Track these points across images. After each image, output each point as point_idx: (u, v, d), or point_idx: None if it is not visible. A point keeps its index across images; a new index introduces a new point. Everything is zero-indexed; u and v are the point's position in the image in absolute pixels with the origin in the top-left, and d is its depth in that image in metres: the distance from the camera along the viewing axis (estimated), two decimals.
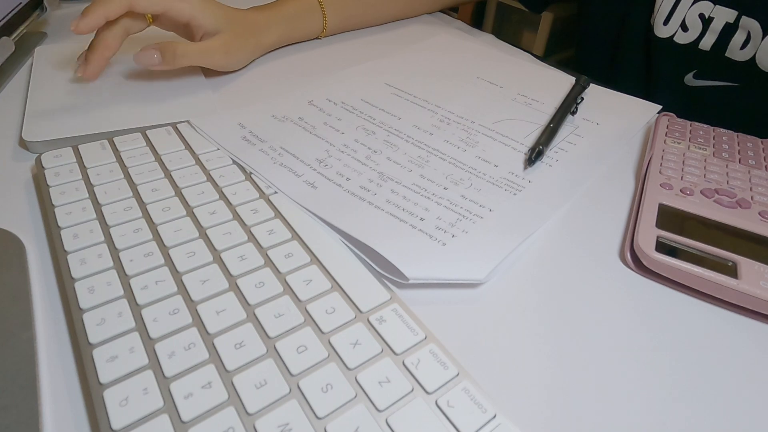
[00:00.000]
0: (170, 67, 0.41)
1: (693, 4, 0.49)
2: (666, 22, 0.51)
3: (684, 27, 0.51)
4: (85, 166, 0.32)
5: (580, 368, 0.24)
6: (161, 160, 0.34)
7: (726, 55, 0.49)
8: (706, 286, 0.27)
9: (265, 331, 0.23)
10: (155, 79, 0.44)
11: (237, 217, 0.30)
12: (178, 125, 0.38)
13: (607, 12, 0.59)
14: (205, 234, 0.28)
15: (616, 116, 0.44)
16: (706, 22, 0.49)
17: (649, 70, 0.56)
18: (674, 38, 0.51)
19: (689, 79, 0.53)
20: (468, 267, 0.27)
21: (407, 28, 0.62)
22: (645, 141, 0.42)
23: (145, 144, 0.35)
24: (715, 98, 0.52)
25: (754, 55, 0.47)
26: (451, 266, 0.27)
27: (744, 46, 0.47)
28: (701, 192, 0.34)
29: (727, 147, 0.39)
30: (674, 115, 0.44)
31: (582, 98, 0.44)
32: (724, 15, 0.48)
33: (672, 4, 0.51)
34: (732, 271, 0.27)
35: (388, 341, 0.23)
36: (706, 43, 0.50)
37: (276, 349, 0.22)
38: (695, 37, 0.50)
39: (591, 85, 0.50)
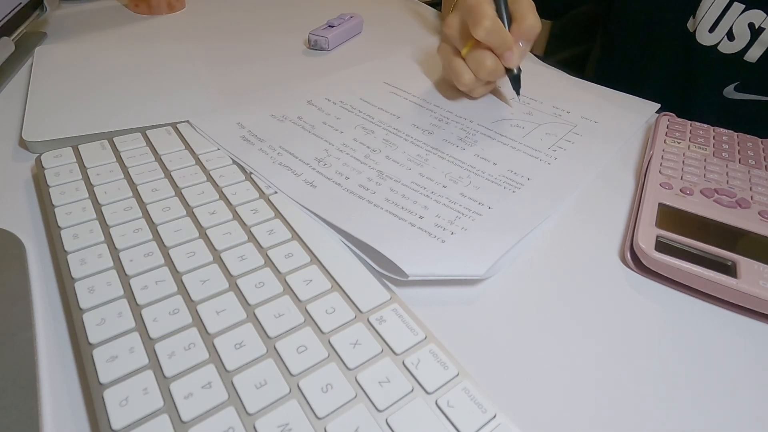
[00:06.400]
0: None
1: (743, 12, 0.46)
2: (712, 30, 0.48)
3: (731, 36, 0.47)
4: (85, 166, 0.32)
5: (580, 368, 0.24)
6: (161, 160, 0.34)
7: None
8: (706, 286, 0.27)
9: (265, 331, 0.23)
10: (155, 80, 0.44)
11: (237, 217, 0.30)
12: (178, 125, 0.38)
13: (638, 15, 0.55)
14: (205, 234, 0.28)
15: (615, 115, 0.44)
16: (756, 32, 0.46)
17: (687, 80, 0.53)
18: (718, 47, 0.48)
19: (729, 91, 0.50)
20: (467, 263, 0.27)
21: (406, 28, 0.62)
22: (645, 141, 0.42)
23: (145, 144, 0.35)
24: (755, 114, 0.49)
25: None
26: (451, 263, 0.27)
27: None
28: (701, 192, 0.34)
29: (727, 147, 0.39)
30: (674, 115, 0.44)
31: None
32: None
33: (720, 10, 0.47)
34: (731, 270, 0.27)
35: (388, 341, 0.23)
36: (753, 54, 0.47)
37: (276, 349, 0.22)
38: (742, 47, 0.47)
39: (590, 83, 0.50)
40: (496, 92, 0.46)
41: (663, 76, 0.54)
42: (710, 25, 0.49)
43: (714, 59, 0.49)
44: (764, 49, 0.46)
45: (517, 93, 0.42)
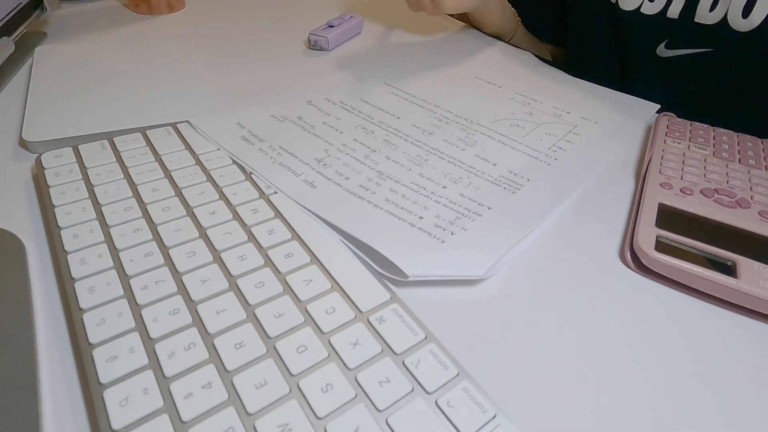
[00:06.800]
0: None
1: None
2: None
3: None
4: (85, 166, 0.32)
5: (580, 368, 0.24)
6: (161, 160, 0.34)
7: (696, 20, 0.47)
8: (706, 286, 0.27)
9: (265, 331, 0.23)
10: (155, 80, 0.44)
11: (237, 217, 0.30)
12: (178, 125, 0.38)
13: (568, 3, 0.58)
14: (205, 234, 0.28)
15: (615, 115, 0.44)
16: None
17: (620, 48, 0.54)
18: (641, 9, 0.50)
19: (661, 50, 0.51)
20: (467, 263, 0.27)
21: (406, 28, 0.62)
22: (645, 140, 0.42)
23: (145, 144, 0.35)
24: (690, 67, 0.50)
25: (725, 15, 0.45)
26: (451, 263, 0.27)
27: (713, 7, 0.46)
28: (701, 192, 0.34)
29: (727, 147, 0.39)
30: (674, 115, 0.44)
31: None
32: None
33: None
34: (731, 270, 0.27)
35: (388, 341, 0.23)
36: (674, 10, 0.48)
37: (276, 349, 0.22)
38: (662, 5, 0.49)
39: (590, 83, 0.50)
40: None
41: (599, 48, 0.55)
42: None
43: (640, 22, 0.50)
44: (683, 2, 0.47)
45: None
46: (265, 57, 0.52)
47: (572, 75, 0.51)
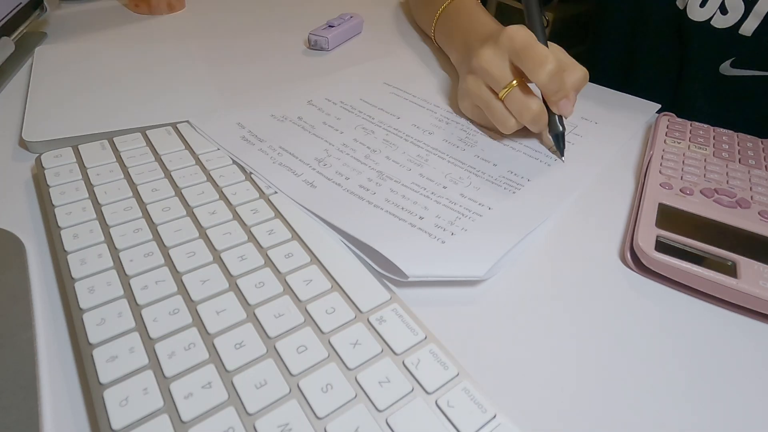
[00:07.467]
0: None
1: None
2: (703, 4, 0.46)
3: (723, 9, 0.45)
4: (85, 166, 0.32)
5: (580, 368, 0.24)
6: (161, 160, 0.34)
7: None
8: (706, 286, 0.27)
9: (265, 331, 0.23)
10: (155, 80, 0.44)
11: (237, 217, 0.30)
12: (178, 125, 0.38)
13: (624, 1, 0.53)
14: (205, 234, 0.28)
15: (615, 115, 0.44)
16: (750, 3, 0.44)
17: (681, 60, 0.51)
18: (711, 22, 0.46)
19: (725, 67, 0.47)
20: (467, 264, 0.27)
21: (406, 28, 0.62)
22: (645, 141, 0.42)
23: (145, 144, 0.35)
24: (753, 90, 0.47)
25: None
26: (451, 263, 0.27)
27: None
28: (701, 191, 0.34)
29: (726, 147, 0.39)
30: (674, 115, 0.44)
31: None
32: None
33: None
34: (731, 270, 0.27)
35: (388, 341, 0.23)
36: (748, 27, 0.44)
37: (276, 349, 0.22)
38: (736, 20, 0.45)
39: (590, 84, 0.49)
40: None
41: (655, 59, 0.52)
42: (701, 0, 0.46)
43: (707, 35, 0.47)
44: (759, 21, 0.44)
45: (561, 154, 0.38)
46: (265, 57, 0.52)
47: (598, 79, 0.47)
